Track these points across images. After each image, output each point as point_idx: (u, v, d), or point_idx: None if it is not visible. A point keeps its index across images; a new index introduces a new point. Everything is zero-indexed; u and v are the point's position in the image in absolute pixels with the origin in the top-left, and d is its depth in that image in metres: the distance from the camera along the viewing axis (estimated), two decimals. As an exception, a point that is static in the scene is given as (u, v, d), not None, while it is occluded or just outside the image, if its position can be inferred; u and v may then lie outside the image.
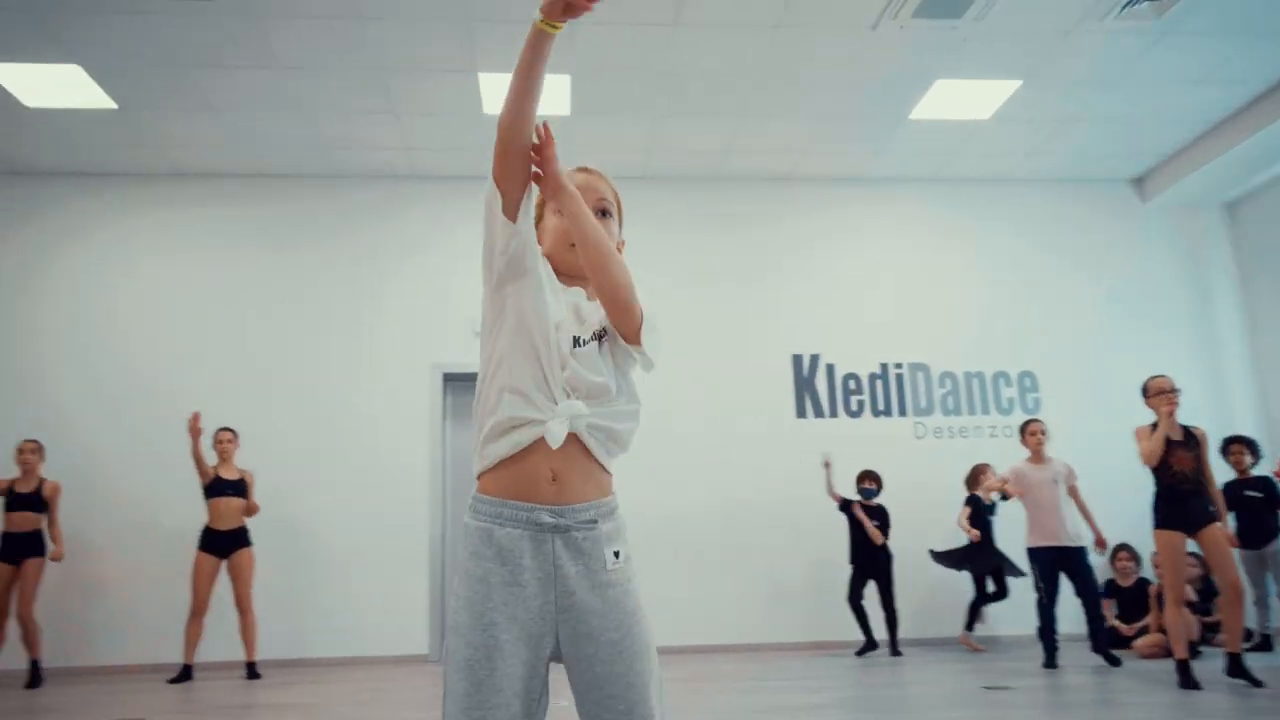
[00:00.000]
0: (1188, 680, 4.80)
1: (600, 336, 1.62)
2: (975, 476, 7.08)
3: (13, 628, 6.19)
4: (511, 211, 1.57)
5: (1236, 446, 6.67)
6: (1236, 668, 4.83)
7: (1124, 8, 5.67)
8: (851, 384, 7.81)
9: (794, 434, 7.64)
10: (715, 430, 7.54)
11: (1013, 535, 6.52)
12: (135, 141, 7.08)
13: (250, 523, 6.47)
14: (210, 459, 6.42)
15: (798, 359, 7.81)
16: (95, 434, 7.07)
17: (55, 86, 6.25)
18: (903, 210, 8.15)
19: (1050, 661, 5.76)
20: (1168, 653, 5.28)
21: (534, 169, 1.59)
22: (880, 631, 6.83)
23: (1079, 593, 5.86)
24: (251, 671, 6.26)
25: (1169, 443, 5.05)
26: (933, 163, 7.92)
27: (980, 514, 6.98)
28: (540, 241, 1.67)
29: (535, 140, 1.59)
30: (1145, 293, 8.12)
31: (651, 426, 7.46)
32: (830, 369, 7.82)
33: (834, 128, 7.26)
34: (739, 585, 7.29)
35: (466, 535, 1.53)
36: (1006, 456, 6.78)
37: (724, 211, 8.01)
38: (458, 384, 7.49)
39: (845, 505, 6.97)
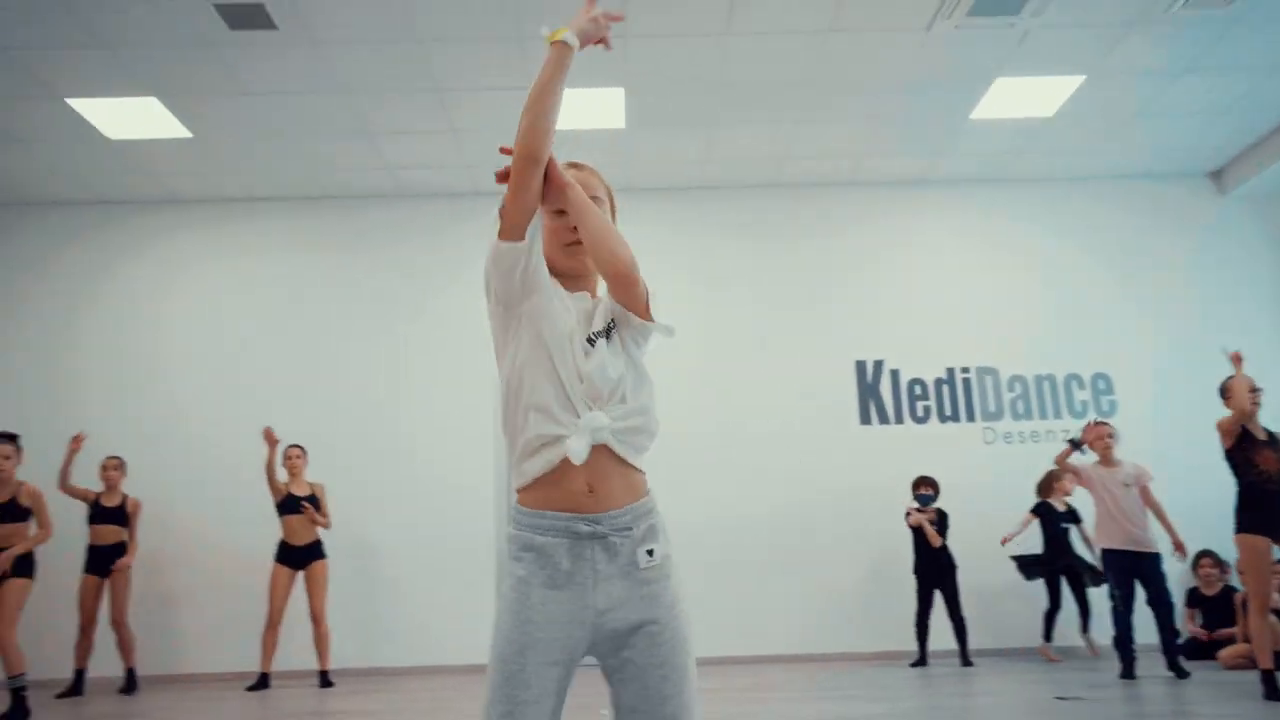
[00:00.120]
0: (1273, 691, 4.60)
1: (610, 331, 1.65)
2: (1048, 483, 6.90)
3: (103, 636, 6.46)
4: (523, 231, 1.59)
5: None
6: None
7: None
8: (917, 389, 7.69)
9: (858, 441, 7.55)
10: (778, 439, 7.49)
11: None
12: (208, 168, 7.37)
13: (323, 535, 6.65)
14: (280, 475, 6.61)
15: (861, 365, 7.72)
16: (173, 449, 7.35)
17: (134, 119, 6.55)
18: (966, 212, 8.01)
19: (1128, 672, 5.57)
20: (1254, 663, 5.06)
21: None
22: (949, 641, 6.69)
23: (1150, 601, 5.65)
24: (325, 680, 6.43)
25: (1253, 441, 4.86)
26: (996, 163, 7.77)
27: (1053, 522, 6.81)
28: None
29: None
30: (1225, 289, 7.83)
31: (713, 435, 7.59)
32: (895, 375, 7.71)
33: (892, 131, 7.18)
34: (801, 595, 7.22)
35: (510, 541, 1.58)
36: (1081, 462, 6.58)
37: (783, 219, 7.97)
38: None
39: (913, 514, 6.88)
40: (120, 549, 6.51)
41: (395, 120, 6.72)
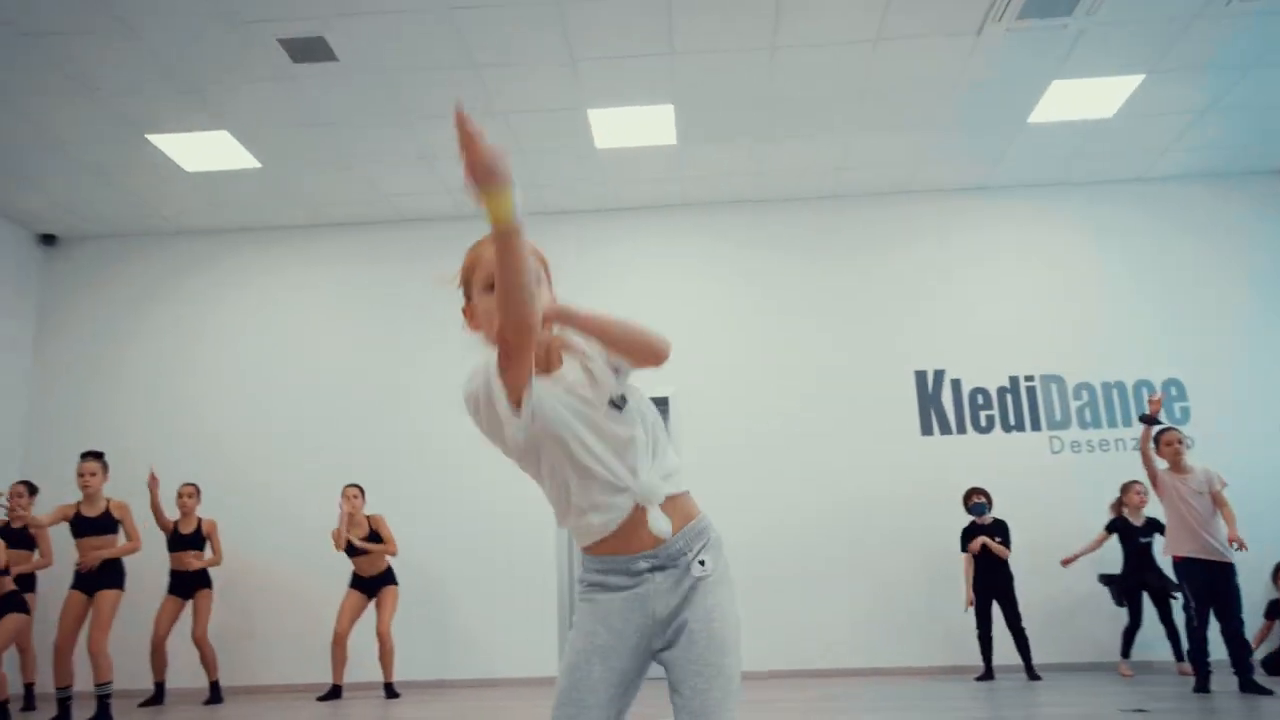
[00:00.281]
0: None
1: (612, 400, 1.63)
2: (1122, 500, 6.68)
3: (188, 651, 6.71)
4: (519, 397, 1.52)
5: None
6: None
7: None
8: (979, 399, 7.57)
9: (920, 452, 7.46)
10: (838, 451, 7.44)
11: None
12: (278, 197, 7.66)
13: (390, 559, 6.83)
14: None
15: (921, 375, 7.63)
16: (251, 472, 7.62)
17: (208, 151, 6.86)
18: (1026, 217, 7.89)
19: (1202, 685, 5.37)
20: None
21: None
22: (1011, 656, 6.54)
23: (1219, 613, 5.43)
24: (390, 691, 6.60)
25: None
26: (1057, 167, 7.65)
27: (1132, 538, 6.60)
28: (476, 328, 1.64)
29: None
30: (1303, 290, 7.55)
31: (773, 450, 7.60)
32: (956, 384, 7.61)
33: (948, 138, 7.12)
34: (865, 608, 7.14)
35: (579, 583, 1.71)
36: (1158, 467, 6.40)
37: (838, 230, 7.96)
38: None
39: (966, 541, 6.75)
40: (202, 571, 6.77)
41: (454, 144, 6.86)
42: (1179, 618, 6.36)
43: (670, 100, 6.42)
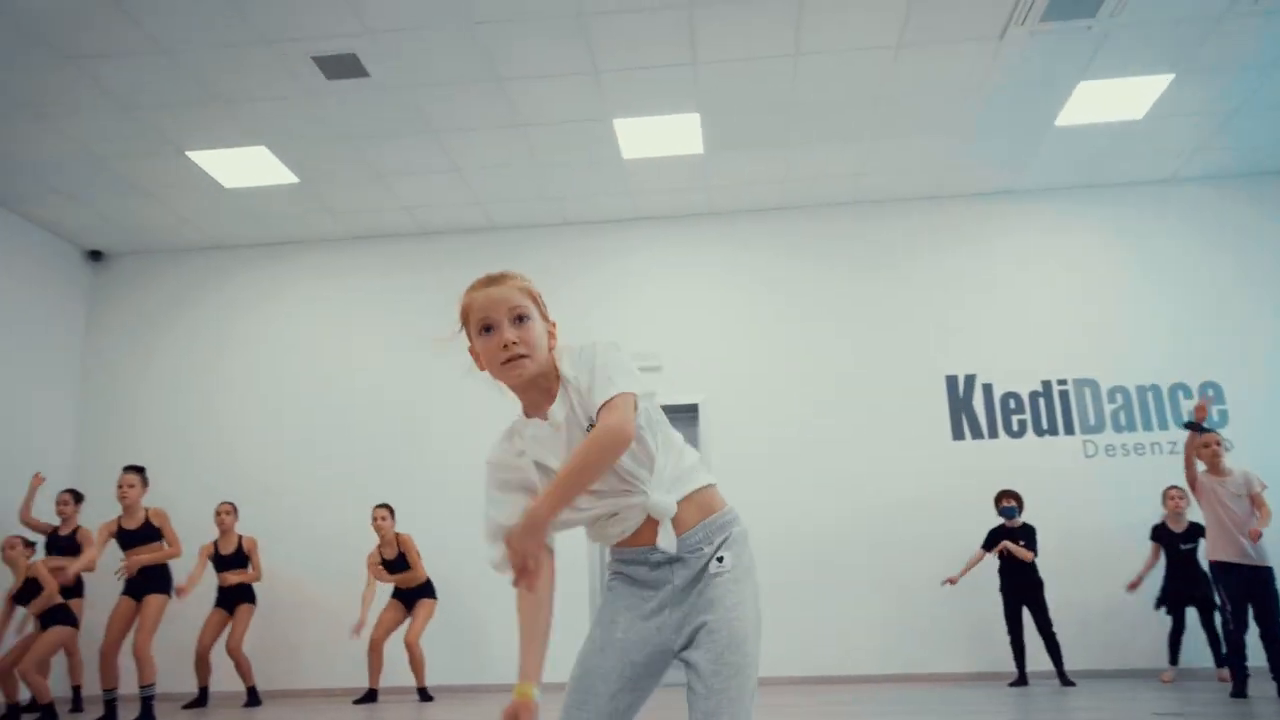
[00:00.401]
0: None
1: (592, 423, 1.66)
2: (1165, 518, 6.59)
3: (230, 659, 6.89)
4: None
5: None
6: None
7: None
8: (1011, 403, 7.52)
9: (951, 457, 7.42)
10: (868, 456, 7.43)
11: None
12: (315, 211, 7.84)
13: (429, 571, 6.96)
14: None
15: (952, 380, 7.60)
16: (286, 482, 7.78)
17: (247, 167, 7.06)
18: (1056, 221, 7.83)
19: (1239, 690, 5.28)
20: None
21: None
22: (1047, 662, 6.48)
23: (1257, 617, 5.35)
24: (424, 695, 6.72)
25: None
26: (1088, 169, 7.59)
27: (1173, 545, 6.50)
28: (482, 367, 1.74)
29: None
30: (1343, 290, 7.41)
31: (803, 456, 7.59)
32: (987, 389, 7.56)
33: (975, 142, 7.10)
34: (898, 614, 7.10)
35: (607, 574, 1.81)
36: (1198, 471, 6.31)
37: (866, 236, 7.96)
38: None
39: (991, 543, 6.71)
40: (244, 586, 6.92)
41: (483, 157, 7.02)
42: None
43: (696, 109, 6.49)
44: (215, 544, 6.97)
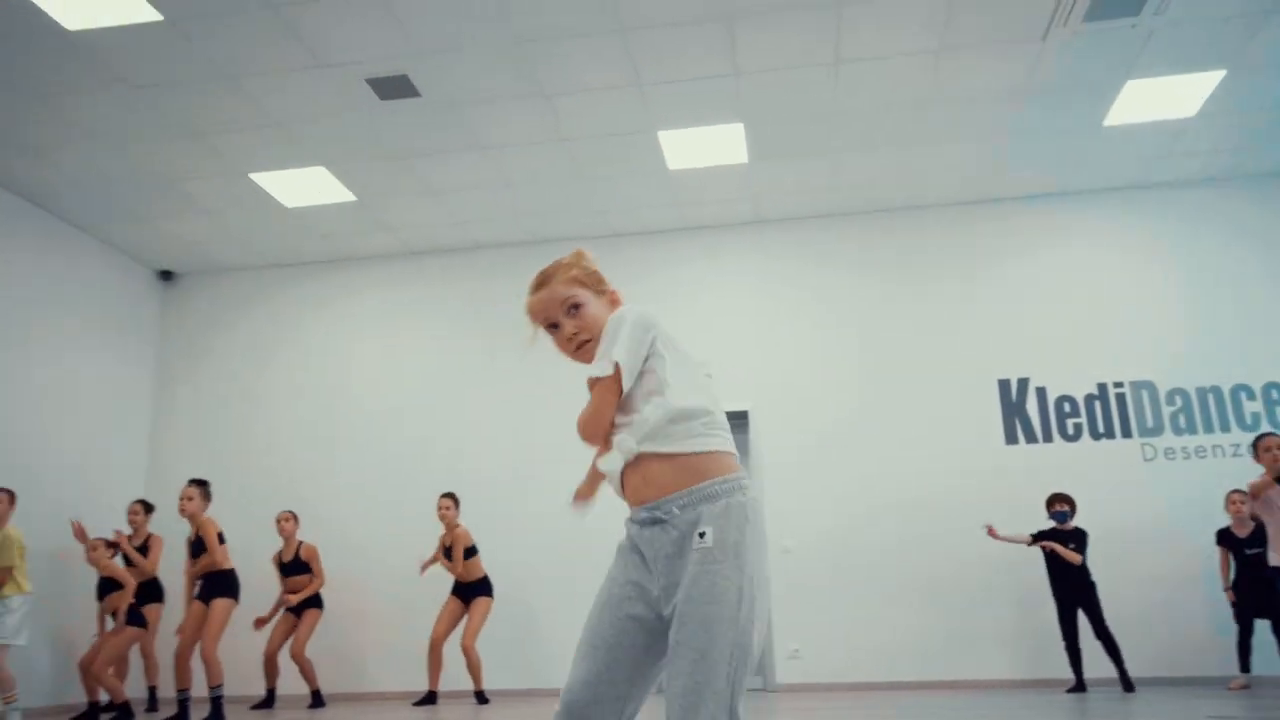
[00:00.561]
0: None
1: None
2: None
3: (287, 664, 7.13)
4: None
5: None
6: None
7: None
8: (1066, 407, 7.42)
9: (1004, 461, 7.35)
10: (919, 463, 7.39)
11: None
12: (372, 227, 8.09)
13: (489, 573, 7.09)
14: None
15: (1004, 384, 7.54)
16: (350, 489, 8.03)
17: (306, 187, 7.33)
18: (1109, 222, 7.72)
19: (1304, 697, 5.16)
20: None
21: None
22: (1101, 669, 6.37)
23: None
24: (481, 698, 6.85)
25: None
26: (1140, 168, 7.48)
27: (1238, 549, 6.36)
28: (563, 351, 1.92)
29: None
30: None
31: (855, 463, 7.57)
32: (1041, 392, 7.48)
33: (1022, 144, 7.06)
34: (959, 620, 7.04)
35: None
36: (1253, 476, 6.17)
37: (914, 241, 7.94)
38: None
39: (1033, 539, 6.64)
40: (312, 596, 7.14)
41: (532, 171, 7.20)
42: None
43: (739, 119, 6.57)
44: (280, 552, 7.22)
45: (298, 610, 7.11)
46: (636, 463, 1.72)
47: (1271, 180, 7.54)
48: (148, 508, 7.09)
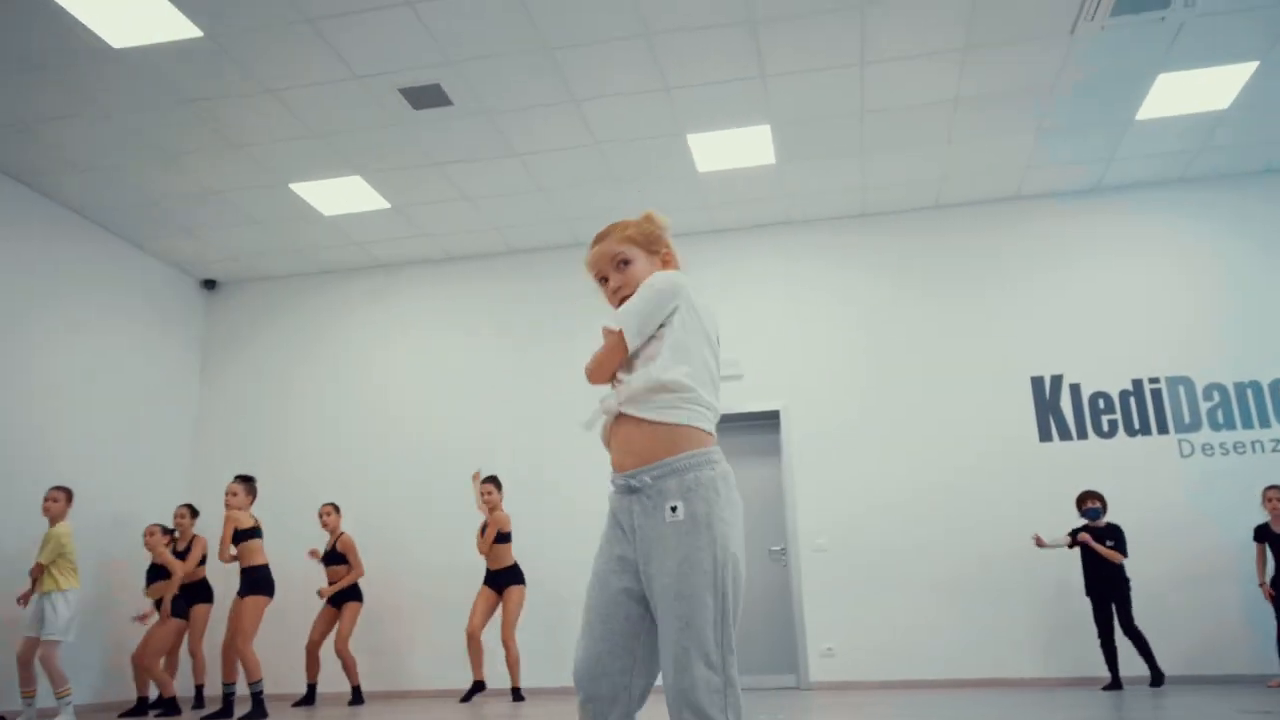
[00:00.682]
0: None
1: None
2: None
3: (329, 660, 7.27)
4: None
5: None
6: None
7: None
8: (1101, 403, 7.37)
9: (1039, 459, 7.32)
10: (953, 461, 7.38)
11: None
12: (410, 234, 8.25)
13: (519, 560, 7.17)
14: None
15: (1038, 381, 7.50)
16: (392, 488, 8.19)
17: (343, 196, 7.50)
18: (1143, 216, 7.66)
19: (1344, 694, 5.10)
20: None
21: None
22: (1139, 667, 6.33)
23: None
24: (516, 695, 6.92)
25: None
26: (1173, 162, 7.42)
27: (1277, 546, 6.29)
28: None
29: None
30: None
31: (888, 461, 7.61)
32: (1075, 389, 7.43)
33: (1053, 141, 7.04)
34: (993, 618, 7.02)
35: None
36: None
37: (945, 240, 7.93)
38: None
39: (1073, 540, 6.60)
40: (350, 587, 7.26)
41: (563, 176, 7.30)
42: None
43: (766, 120, 6.62)
44: (328, 546, 7.38)
45: (337, 603, 7.24)
46: (619, 423, 1.83)
47: (1310, 172, 7.44)
48: (194, 512, 7.28)
